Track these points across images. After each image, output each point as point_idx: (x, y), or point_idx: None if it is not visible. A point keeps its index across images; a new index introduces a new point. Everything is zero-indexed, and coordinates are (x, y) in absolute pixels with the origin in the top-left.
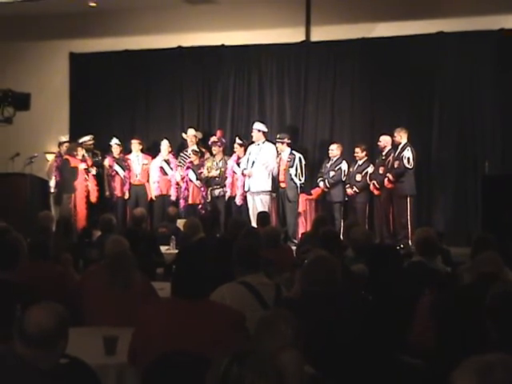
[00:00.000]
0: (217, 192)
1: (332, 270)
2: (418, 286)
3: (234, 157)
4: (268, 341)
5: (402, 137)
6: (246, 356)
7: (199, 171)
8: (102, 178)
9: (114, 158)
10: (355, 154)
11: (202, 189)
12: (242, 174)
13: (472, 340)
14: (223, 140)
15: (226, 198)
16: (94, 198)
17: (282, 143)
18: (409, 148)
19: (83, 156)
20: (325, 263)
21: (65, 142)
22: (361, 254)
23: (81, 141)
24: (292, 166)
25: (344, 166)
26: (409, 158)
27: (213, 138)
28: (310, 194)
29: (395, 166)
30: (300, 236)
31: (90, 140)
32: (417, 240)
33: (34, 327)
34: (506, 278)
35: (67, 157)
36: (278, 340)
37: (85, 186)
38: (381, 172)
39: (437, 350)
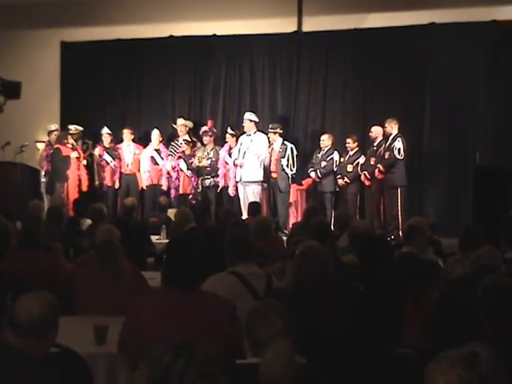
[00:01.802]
0: (208, 182)
1: (324, 260)
2: (407, 277)
3: (226, 147)
4: (259, 331)
5: (393, 127)
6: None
7: (190, 161)
8: (92, 168)
9: (104, 147)
10: (347, 145)
11: (193, 179)
12: (234, 164)
13: (466, 331)
14: (214, 130)
15: (219, 188)
16: (84, 187)
17: (274, 133)
18: (400, 139)
19: (73, 145)
20: (317, 254)
21: (54, 130)
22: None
23: (52, 129)
24: (284, 157)
25: (335, 156)
26: (399, 149)
27: (203, 128)
28: (301, 185)
29: (386, 156)
30: (291, 226)
31: (75, 130)
32: (405, 228)
33: (25, 316)
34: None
35: (58, 146)
36: (268, 330)
37: (77, 174)
38: (372, 163)
39: (434, 340)
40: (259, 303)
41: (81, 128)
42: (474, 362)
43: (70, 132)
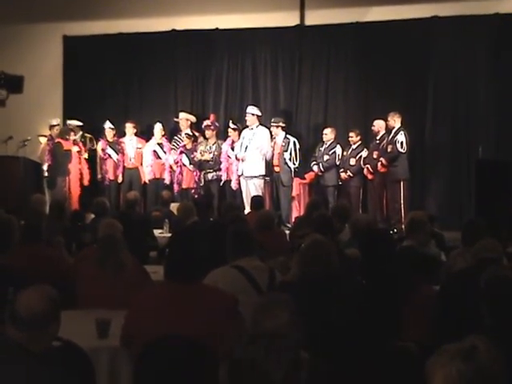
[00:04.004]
0: (210, 176)
1: (329, 253)
2: (408, 271)
3: (229, 141)
4: (263, 323)
5: (395, 121)
6: (264, 339)
7: (192, 155)
8: (94, 162)
9: (107, 141)
10: (349, 139)
11: (195, 173)
12: (236, 158)
13: (468, 325)
14: (216, 124)
15: (222, 182)
16: (86, 182)
17: (277, 127)
18: (402, 132)
19: (75, 139)
20: (322, 247)
21: (56, 125)
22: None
23: (54, 123)
24: (286, 150)
25: (338, 150)
26: (402, 143)
27: (206, 122)
28: (304, 178)
29: (388, 150)
30: (294, 220)
31: (71, 125)
32: (406, 222)
33: (26, 310)
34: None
35: (59, 140)
36: (272, 322)
37: (78, 168)
38: (375, 156)
39: (435, 335)
40: (267, 296)
41: (79, 123)
42: (473, 356)
43: (70, 127)
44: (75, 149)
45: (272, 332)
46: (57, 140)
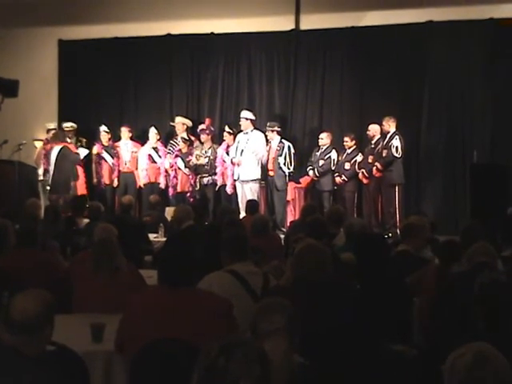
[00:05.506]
0: (205, 180)
1: (323, 258)
2: (403, 275)
3: (224, 145)
4: (261, 324)
5: (390, 125)
6: (233, 348)
7: (187, 159)
8: (90, 166)
9: (102, 145)
10: (344, 143)
11: (191, 177)
12: (231, 162)
13: (462, 328)
14: (211, 128)
15: (217, 186)
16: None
17: (272, 131)
18: (397, 137)
19: (73, 143)
20: (316, 251)
21: (53, 128)
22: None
23: (51, 127)
24: (281, 155)
25: (333, 154)
26: (397, 147)
27: (201, 126)
28: (299, 183)
29: (383, 154)
30: (289, 224)
31: (71, 127)
32: (403, 226)
33: (20, 314)
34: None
35: (66, 144)
36: (270, 325)
37: (82, 172)
38: (370, 161)
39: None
40: (268, 299)
41: (74, 125)
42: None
43: (66, 129)
44: (83, 152)
45: (244, 341)
46: (63, 144)
